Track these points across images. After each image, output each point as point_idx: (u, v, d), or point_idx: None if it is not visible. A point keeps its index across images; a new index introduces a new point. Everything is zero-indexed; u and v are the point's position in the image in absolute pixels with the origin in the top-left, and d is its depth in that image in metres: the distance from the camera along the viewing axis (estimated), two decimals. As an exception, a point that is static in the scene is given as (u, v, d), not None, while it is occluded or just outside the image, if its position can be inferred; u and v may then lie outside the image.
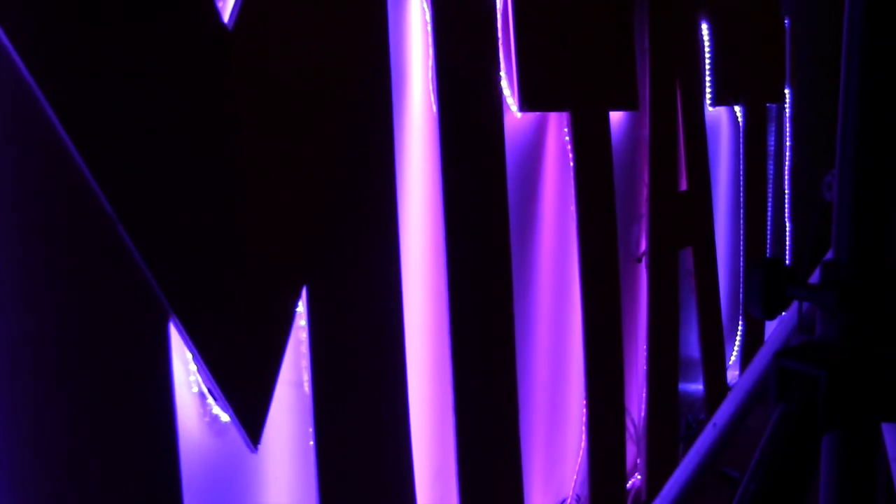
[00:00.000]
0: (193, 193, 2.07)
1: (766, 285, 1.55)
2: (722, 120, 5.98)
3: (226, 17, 2.20)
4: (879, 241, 1.46)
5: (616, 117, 4.26)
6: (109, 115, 1.87)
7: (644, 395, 4.58)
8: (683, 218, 4.97)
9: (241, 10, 2.21)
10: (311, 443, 2.43)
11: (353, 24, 2.58)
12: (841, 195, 1.48)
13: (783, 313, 1.61)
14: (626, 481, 4.30)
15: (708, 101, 5.42)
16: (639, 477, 4.57)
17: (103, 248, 1.88)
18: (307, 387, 2.44)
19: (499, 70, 3.28)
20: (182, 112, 2.04)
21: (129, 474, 1.94)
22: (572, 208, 3.83)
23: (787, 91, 6.69)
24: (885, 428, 2.24)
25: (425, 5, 2.93)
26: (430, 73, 2.96)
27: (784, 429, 1.43)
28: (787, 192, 6.75)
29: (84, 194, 1.85)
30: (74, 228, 1.85)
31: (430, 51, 2.94)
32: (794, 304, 1.57)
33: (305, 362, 2.44)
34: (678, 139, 4.92)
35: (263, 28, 2.28)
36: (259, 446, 2.25)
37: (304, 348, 2.43)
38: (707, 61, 5.40)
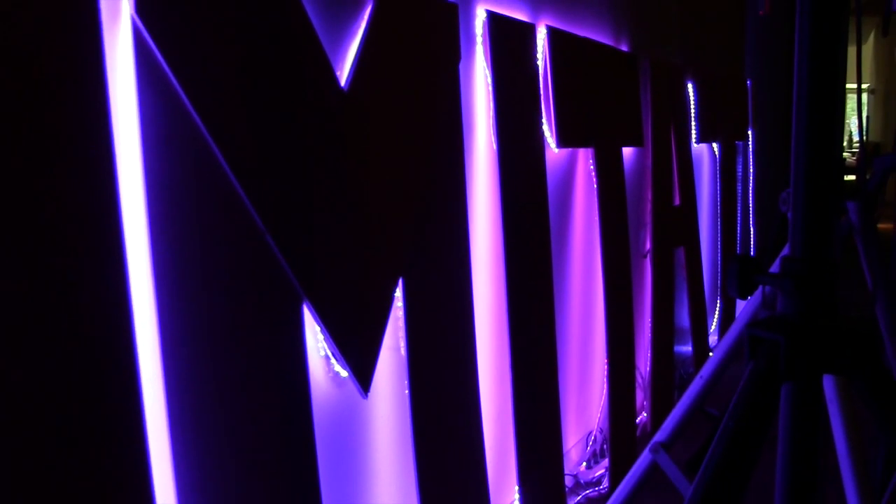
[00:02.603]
0: (320, 208, 2.07)
1: (741, 273, 1.56)
2: (704, 153, 5.97)
3: (342, 81, 2.21)
4: (824, 241, 1.46)
5: (627, 152, 4.25)
6: (257, 145, 1.89)
7: (649, 354, 4.57)
8: (677, 225, 4.96)
9: (353, 78, 2.23)
10: (406, 391, 2.44)
11: (436, 85, 2.59)
12: (795, 207, 1.47)
13: (751, 295, 1.62)
14: (636, 418, 4.29)
15: (694, 140, 5.42)
16: (645, 415, 4.56)
17: (253, 249, 1.89)
18: (403, 350, 2.44)
19: (541, 117, 3.27)
20: (312, 148, 2.05)
21: (274, 415, 1.95)
22: (596, 218, 3.83)
23: (749, 132, 6.69)
24: (826, 379, 2.24)
25: (487, 72, 2.94)
26: (492, 120, 2.96)
27: (754, 380, 1.43)
28: (751, 205, 6.76)
29: (238, 210, 1.86)
30: (232, 235, 1.86)
31: (492, 103, 2.94)
32: (759, 288, 1.57)
33: (402, 333, 2.44)
34: (672, 167, 4.92)
35: (371, 90, 2.28)
36: (368, 394, 2.25)
37: (401, 322, 2.43)
38: (693, 111, 5.39)
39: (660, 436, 2.55)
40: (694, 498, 1.38)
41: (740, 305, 6.12)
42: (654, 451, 2.53)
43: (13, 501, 1.40)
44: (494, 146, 2.96)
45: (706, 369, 2.56)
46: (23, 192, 1.41)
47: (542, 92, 3.30)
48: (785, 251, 1.60)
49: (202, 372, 1.79)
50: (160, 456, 1.71)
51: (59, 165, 1.46)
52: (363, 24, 2.31)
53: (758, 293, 1.65)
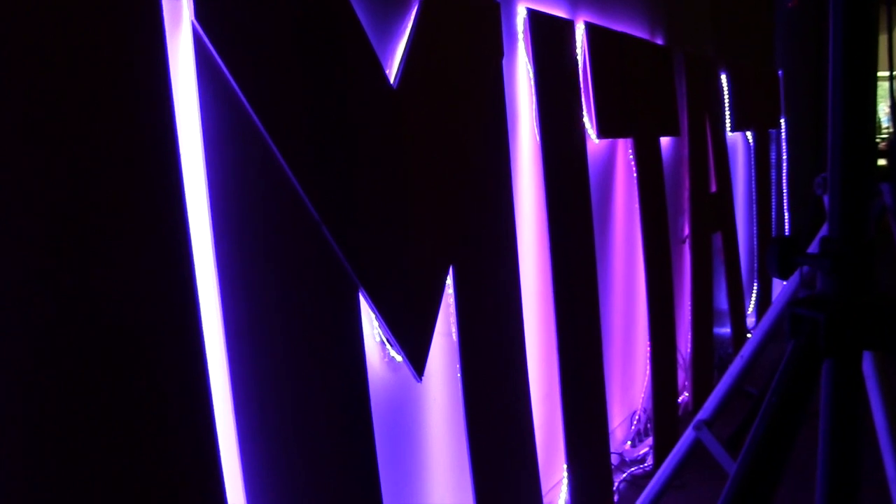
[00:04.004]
0: (373, 200, 2.08)
1: (781, 255, 1.56)
2: (738, 141, 5.94)
3: (392, 79, 2.21)
4: (860, 223, 1.45)
5: (665, 141, 4.23)
6: (312, 141, 1.89)
7: (689, 336, 4.55)
8: (714, 211, 4.94)
9: (402, 75, 2.23)
10: (459, 375, 2.44)
11: (481, 81, 2.59)
12: (832, 190, 1.47)
13: (791, 275, 1.62)
14: (677, 397, 4.27)
15: (728, 129, 5.38)
16: (686, 394, 4.54)
17: (310, 240, 1.90)
18: (455, 335, 2.45)
19: (581, 110, 3.26)
20: (364, 143, 2.06)
21: (333, 399, 1.96)
22: (636, 206, 3.82)
23: (782, 120, 6.64)
24: (865, 355, 2.22)
25: (529, 67, 2.93)
26: (534, 114, 2.96)
27: (796, 357, 1.43)
28: (784, 191, 6.71)
29: (295, 203, 1.87)
30: (290, 228, 1.87)
31: (534, 98, 2.94)
32: (798, 269, 1.57)
33: (453, 318, 2.45)
34: (708, 155, 4.89)
35: (419, 86, 2.29)
36: (422, 378, 2.26)
37: (452, 309, 2.44)
38: (727, 101, 5.36)
39: (702, 414, 2.55)
40: (740, 470, 1.37)
41: (777, 288, 6.09)
42: (697, 428, 2.52)
43: (91, 497, 1.41)
44: (537, 138, 2.95)
45: (746, 349, 2.55)
46: (94, 190, 1.42)
47: (582, 85, 3.29)
48: (823, 232, 1.60)
49: (264, 359, 1.80)
50: (227, 440, 1.72)
51: (126, 165, 1.48)
52: (410, 24, 2.32)
53: (796, 274, 1.65)
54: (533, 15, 2.92)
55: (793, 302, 1.48)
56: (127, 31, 1.49)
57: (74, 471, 1.38)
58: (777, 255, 1.56)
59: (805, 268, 1.60)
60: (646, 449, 3.92)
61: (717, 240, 5.06)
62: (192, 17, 1.64)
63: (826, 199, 1.60)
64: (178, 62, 1.66)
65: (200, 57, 1.67)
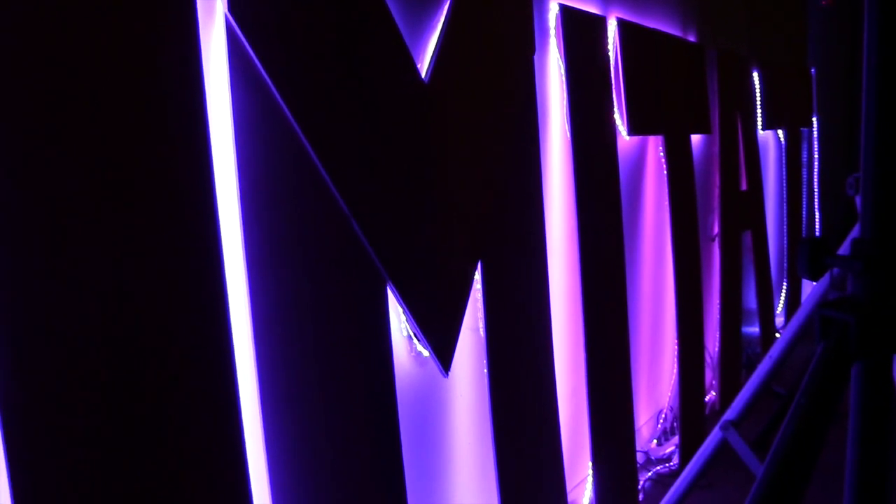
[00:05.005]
0: (403, 194, 2.08)
1: (812, 256, 1.54)
2: (769, 140, 5.91)
3: (423, 74, 2.21)
4: (893, 225, 1.44)
5: (695, 139, 4.22)
6: (343, 135, 1.90)
7: (717, 335, 4.53)
8: (744, 209, 4.92)
9: (434, 70, 2.23)
10: (485, 371, 2.44)
11: (512, 76, 2.59)
12: (865, 191, 1.45)
13: (822, 277, 1.61)
14: (704, 396, 4.26)
15: (759, 127, 5.35)
16: (713, 393, 4.52)
17: (339, 234, 1.91)
18: (482, 331, 2.45)
19: (613, 106, 3.26)
20: (395, 138, 2.06)
21: (360, 392, 1.96)
22: (666, 203, 3.81)
23: (814, 119, 6.60)
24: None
25: (561, 63, 2.93)
26: (565, 109, 2.95)
27: (825, 360, 1.42)
28: (815, 190, 6.68)
29: (325, 197, 1.87)
30: (320, 221, 1.88)
31: (565, 94, 2.93)
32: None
33: (480, 314, 2.45)
34: (739, 154, 4.87)
35: (450, 81, 2.29)
36: (449, 373, 2.26)
37: (480, 305, 2.44)
38: (758, 98, 5.33)
39: (730, 414, 2.53)
40: (768, 471, 1.37)
41: (806, 287, 6.07)
42: (724, 428, 2.51)
43: (118, 495, 1.42)
44: (568, 134, 2.95)
45: (775, 350, 2.54)
46: (126, 183, 1.43)
47: (613, 82, 3.28)
48: (854, 233, 1.59)
49: (292, 352, 1.81)
50: (253, 432, 1.73)
51: (158, 158, 1.49)
52: (442, 19, 2.32)
53: (826, 274, 1.63)
54: (565, 10, 2.91)
55: (823, 304, 1.47)
56: (161, 24, 1.50)
57: (103, 463, 1.39)
58: (808, 255, 1.55)
59: (835, 269, 1.59)
60: (672, 448, 3.90)
61: (747, 238, 5.04)
62: (226, 10, 1.65)
63: (858, 199, 1.58)
64: (210, 55, 1.67)
65: (233, 50, 1.68)
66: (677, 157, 3.86)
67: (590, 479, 3.05)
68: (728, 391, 4.43)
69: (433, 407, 2.43)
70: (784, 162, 5.97)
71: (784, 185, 5.97)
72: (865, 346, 1.41)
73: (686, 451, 3.75)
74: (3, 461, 1.27)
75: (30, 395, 1.30)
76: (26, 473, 1.29)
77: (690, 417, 3.90)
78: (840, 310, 1.43)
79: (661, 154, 3.79)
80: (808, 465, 1.37)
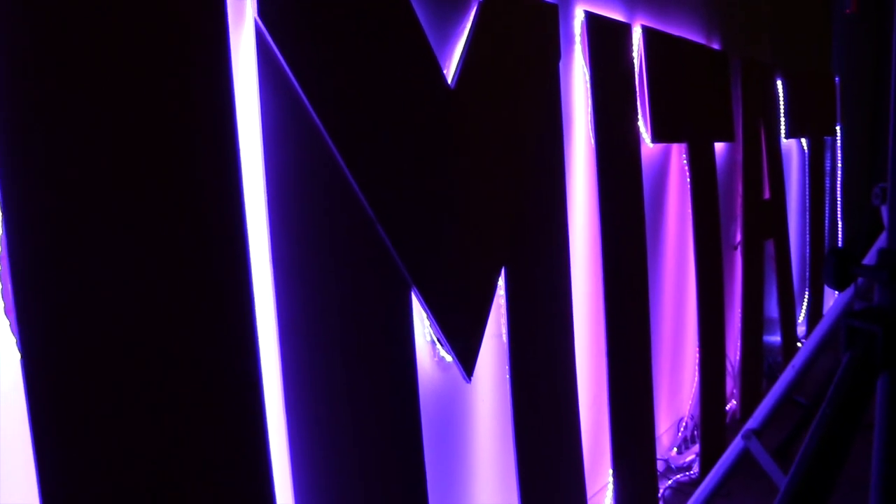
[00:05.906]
0: (428, 200, 2.09)
1: (838, 266, 1.54)
2: (793, 148, 5.89)
3: (449, 80, 2.22)
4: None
5: (719, 147, 4.21)
6: (370, 140, 1.91)
7: (738, 343, 4.52)
8: (767, 218, 4.90)
9: (460, 76, 2.24)
10: (508, 377, 2.44)
11: (537, 83, 2.59)
12: (892, 201, 1.45)
13: (848, 287, 1.60)
14: (725, 405, 4.24)
15: (783, 135, 5.34)
16: (734, 402, 4.51)
17: (364, 238, 1.91)
18: (505, 337, 2.45)
19: (637, 113, 3.26)
20: (421, 143, 2.07)
21: (385, 394, 1.97)
22: (689, 211, 3.80)
23: (838, 127, 6.58)
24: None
25: (586, 70, 2.93)
26: (590, 116, 2.95)
27: (851, 370, 1.42)
28: (839, 199, 6.65)
29: (351, 201, 1.88)
30: (345, 225, 1.88)
31: (590, 101, 2.94)
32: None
33: (503, 320, 2.45)
34: (762, 162, 4.86)
35: (476, 87, 2.30)
36: (471, 378, 2.27)
37: (503, 310, 2.44)
38: (782, 107, 5.32)
39: (752, 423, 2.52)
40: (793, 480, 1.37)
41: (829, 297, 6.04)
42: (746, 437, 2.50)
43: (144, 493, 1.43)
44: (592, 141, 2.95)
45: (798, 359, 2.53)
46: (154, 185, 1.44)
47: (637, 89, 3.28)
48: (880, 243, 1.58)
49: (316, 354, 1.82)
50: (277, 433, 1.74)
51: (187, 160, 1.49)
52: (468, 25, 2.32)
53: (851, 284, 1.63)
54: (590, 17, 2.92)
55: (848, 313, 1.47)
56: (192, 27, 1.51)
57: (129, 462, 1.40)
58: (834, 265, 1.55)
59: (861, 279, 1.59)
60: (692, 456, 3.90)
61: (769, 247, 5.03)
62: (256, 15, 1.66)
63: (885, 209, 1.58)
64: (239, 58, 1.68)
65: (262, 54, 1.69)
66: (701, 165, 3.86)
67: (610, 486, 3.05)
68: (749, 400, 4.43)
69: (455, 411, 2.43)
70: (807, 171, 5.95)
71: (807, 194, 5.95)
72: (892, 356, 1.41)
73: (706, 460, 3.74)
74: (32, 460, 1.28)
75: (57, 397, 1.31)
76: (55, 473, 1.30)
77: (711, 426, 3.89)
78: (867, 320, 1.43)
79: (685, 161, 3.79)
80: (833, 475, 1.37)
